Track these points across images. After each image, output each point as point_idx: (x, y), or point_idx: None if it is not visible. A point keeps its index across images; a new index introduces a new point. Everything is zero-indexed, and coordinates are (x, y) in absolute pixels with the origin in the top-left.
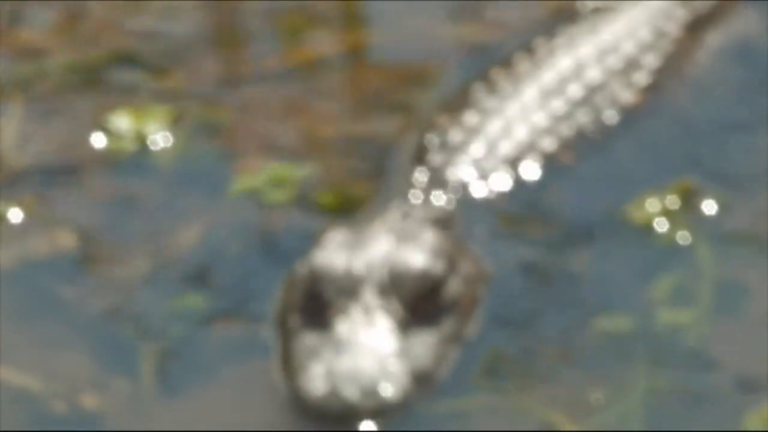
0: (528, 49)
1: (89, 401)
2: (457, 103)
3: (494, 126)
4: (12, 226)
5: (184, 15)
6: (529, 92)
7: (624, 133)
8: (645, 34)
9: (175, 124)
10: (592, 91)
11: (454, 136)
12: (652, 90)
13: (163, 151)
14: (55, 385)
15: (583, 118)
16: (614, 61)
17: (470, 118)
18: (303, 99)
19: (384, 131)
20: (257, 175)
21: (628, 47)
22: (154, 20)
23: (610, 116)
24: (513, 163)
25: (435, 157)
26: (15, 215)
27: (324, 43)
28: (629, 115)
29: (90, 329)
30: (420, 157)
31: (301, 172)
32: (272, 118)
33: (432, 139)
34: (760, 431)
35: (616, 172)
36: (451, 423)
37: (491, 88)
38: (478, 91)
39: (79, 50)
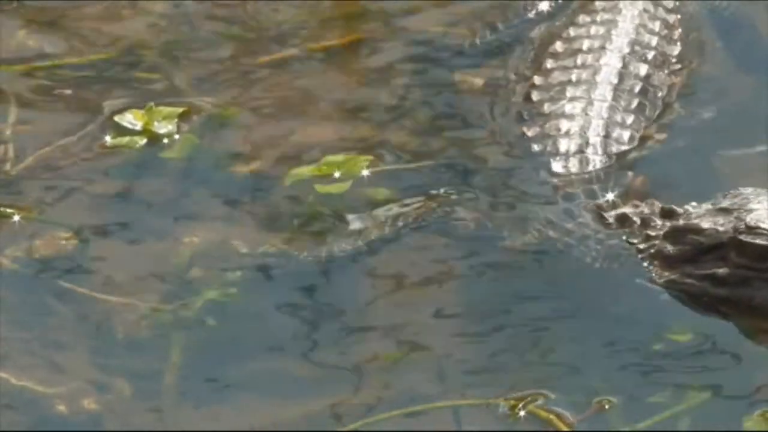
0: (552, 53)
1: (89, 403)
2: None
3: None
4: (16, 226)
5: (191, 13)
6: (601, 89)
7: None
8: (657, 27)
9: (184, 120)
10: (646, 81)
11: (555, 126)
12: (681, 72)
13: (172, 147)
14: (56, 386)
15: (648, 100)
16: (651, 55)
17: (567, 107)
18: (306, 93)
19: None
20: (310, 166)
21: (654, 41)
22: (160, 18)
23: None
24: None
25: (565, 146)
26: (19, 214)
27: (330, 36)
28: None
29: (95, 330)
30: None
31: (361, 164)
32: (281, 111)
33: (542, 131)
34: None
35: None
36: None
37: (557, 94)
38: (543, 94)
39: (87, 48)
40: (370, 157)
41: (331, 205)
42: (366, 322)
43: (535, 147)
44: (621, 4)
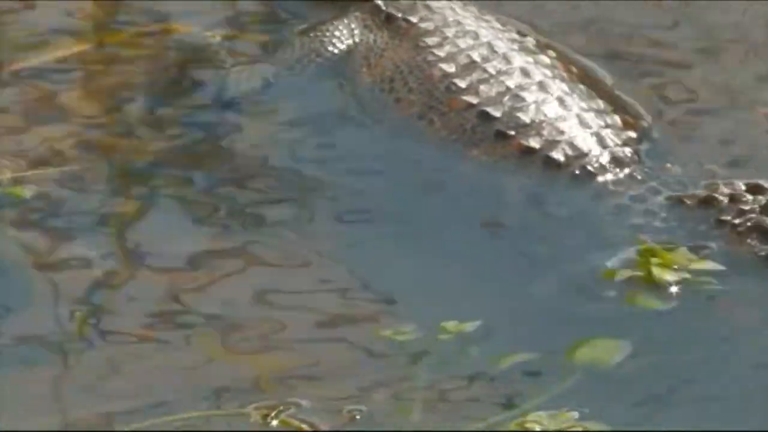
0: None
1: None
2: None
3: None
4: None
5: None
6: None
7: None
8: (493, 18)
9: None
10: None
11: None
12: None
13: None
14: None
15: None
16: (531, 43)
17: None
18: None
19: None
20: None
21: (512, 32)
22: None
23: None
24: None
25: None
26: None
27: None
28: None
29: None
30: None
31: None
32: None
33: None
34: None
35: None
36: None
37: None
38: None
39: None
40: None
41: None
42: None
43: None
44: (442, 12)
